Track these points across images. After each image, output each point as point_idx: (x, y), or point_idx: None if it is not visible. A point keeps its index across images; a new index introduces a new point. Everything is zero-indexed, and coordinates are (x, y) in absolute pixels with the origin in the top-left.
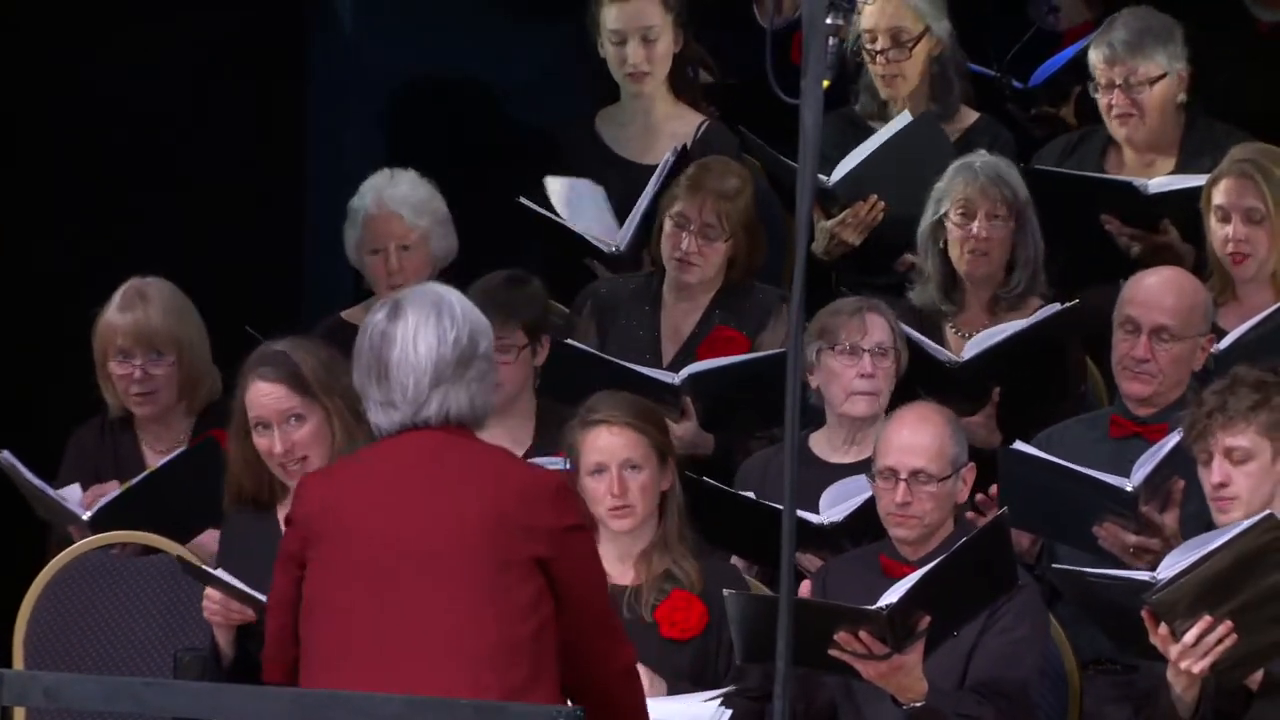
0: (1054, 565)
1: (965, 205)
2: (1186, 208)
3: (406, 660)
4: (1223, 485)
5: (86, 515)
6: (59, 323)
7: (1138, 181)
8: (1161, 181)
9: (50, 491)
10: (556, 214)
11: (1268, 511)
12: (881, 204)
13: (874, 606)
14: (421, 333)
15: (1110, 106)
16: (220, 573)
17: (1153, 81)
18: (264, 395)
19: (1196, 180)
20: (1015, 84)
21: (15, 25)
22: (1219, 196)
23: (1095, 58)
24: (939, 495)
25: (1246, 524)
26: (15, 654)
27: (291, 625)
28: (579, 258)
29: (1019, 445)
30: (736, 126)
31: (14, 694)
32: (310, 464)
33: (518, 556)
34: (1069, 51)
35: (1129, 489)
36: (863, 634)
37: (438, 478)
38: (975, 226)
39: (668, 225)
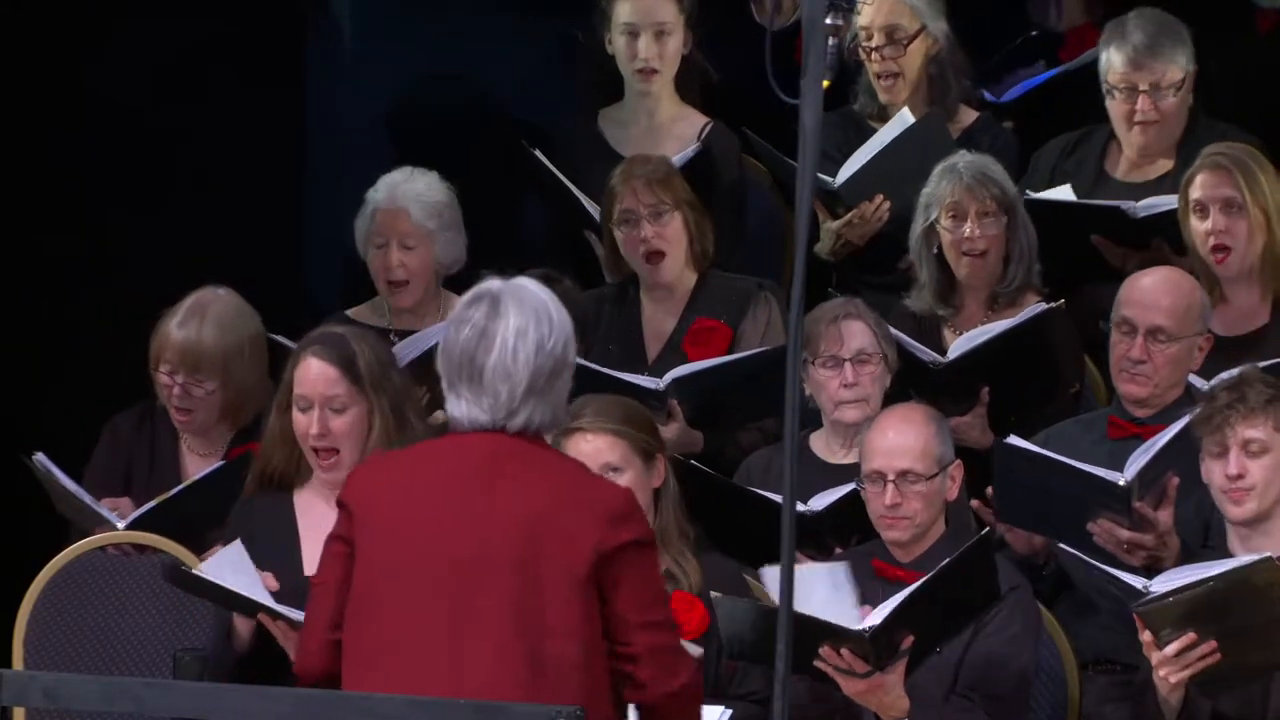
0: (1061, 546)
1: (955, 208)
2: (1177, 227)
3: (447, 677)
4: (1239, 477)
5: (122, 525)
6: (59, 323)
7: (1125, 205)
8: (1150, 203)
9: (87, 498)
10: (561, 173)
11: (1268, 554)
12: (886, 204)
13: (857, 628)
14: (521, 341)
15: (1132, 112)
16: (212, 576)
17: (1177, 87)
18: (314, 373)
19: None
20: (986, 95)
21: (15, 25)
22: (1196, 191)
23: (1116, 60)
24: (928, 494)
25: (1247, 560)
26: (15, 654)
27: (335, 608)
28: (576, 226)
29: (1012, 439)
30: (741, 129)
31: (14, 694)
32: (341, 456)
33: (573, 573)
34: (1046, 74)
35: (1122, 483)
36: (845, 651)
37: (503, 486)
38: (967, 228)
39: (620, 233)
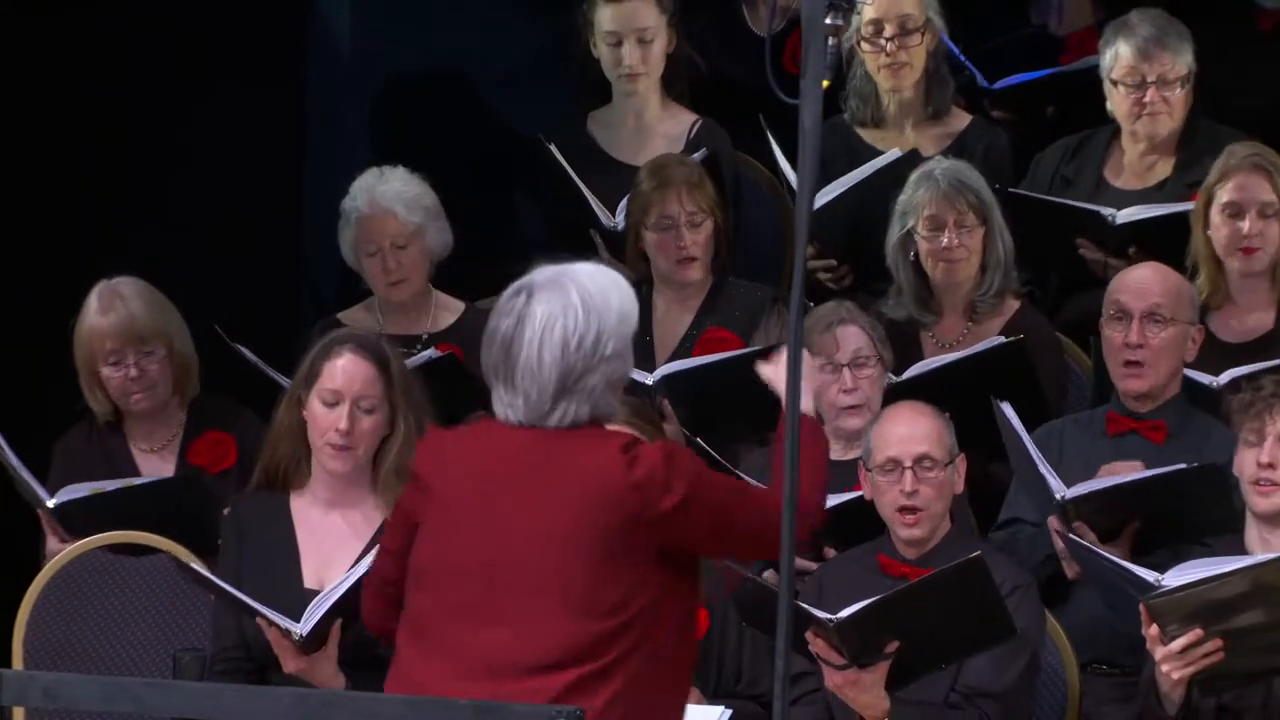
0: (1069, 537)
1: (932, 219)
2: (1154, 236)
3: (486, 657)
4: (1271, 467)
5: (51, 502)
6: (59, 322)
7: (1105, 211)
8: (1130, 212)
9: (23, 471)
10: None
11: None
12: (848, 274)
13: (824, 616)
14: (548, 339)
15: (1141, 104)
16: (212, 576)
17: (1184, 81)
18: (353, 368)
19: (1164, 209)
20: (979, 79)
21: (15, 25)
22: (1229, 194)
23: (1124, 53)
24: (942, 483)
25: (1265, 557)
26: (15, 654)
27: (397, 577)
28: (583, 225)
29: (1004, 406)
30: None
31: (13, 694)
32: (354, 454)
33: (625, 551)
34: (1043, 71)
35: (1058, 496)
36: (820, 640)
37: (551, 477)
38: (945, 238)
39: (654, 236)
